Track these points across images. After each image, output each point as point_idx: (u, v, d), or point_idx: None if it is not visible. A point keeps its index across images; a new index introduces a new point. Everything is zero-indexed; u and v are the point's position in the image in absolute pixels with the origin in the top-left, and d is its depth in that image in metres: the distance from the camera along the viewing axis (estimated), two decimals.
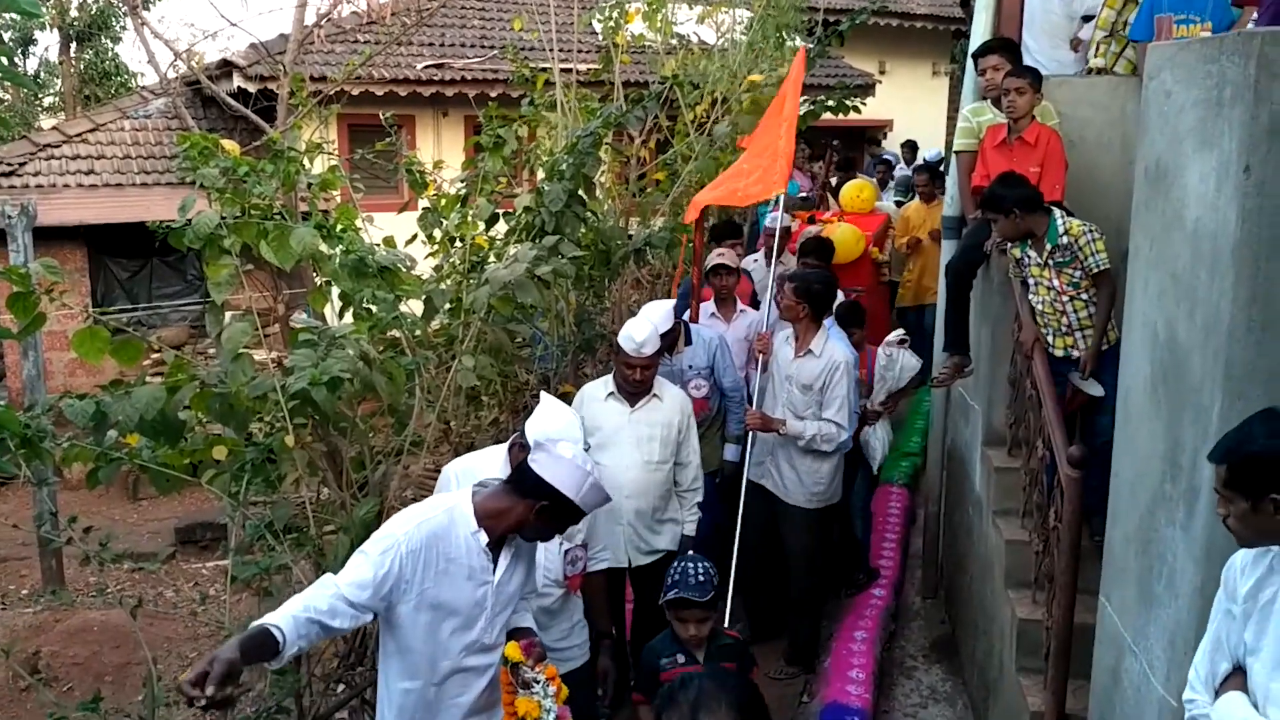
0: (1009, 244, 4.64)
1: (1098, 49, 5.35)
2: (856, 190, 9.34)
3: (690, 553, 3.57)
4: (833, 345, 4.97)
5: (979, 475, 5.19)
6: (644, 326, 4.29)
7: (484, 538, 2.85)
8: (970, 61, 5.52)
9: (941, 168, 10.42)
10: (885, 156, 13.49)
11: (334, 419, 3.71)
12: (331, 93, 8.89)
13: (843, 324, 5.48)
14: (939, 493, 6.28)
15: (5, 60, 2.41)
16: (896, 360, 5.49)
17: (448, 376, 4.16)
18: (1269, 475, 2.16)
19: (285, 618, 2.58)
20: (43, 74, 22.96)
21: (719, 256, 5.75)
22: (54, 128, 13.00)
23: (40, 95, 22.95)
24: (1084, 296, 4.39)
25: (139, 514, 9.54)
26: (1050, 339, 4.46)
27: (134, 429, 3.27)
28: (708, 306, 5.85)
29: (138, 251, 11.47)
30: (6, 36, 20.34)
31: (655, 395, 4.45)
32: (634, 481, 4.39)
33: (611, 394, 4.47)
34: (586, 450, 4.34)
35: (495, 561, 2.92)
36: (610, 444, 4.38)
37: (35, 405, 3.28)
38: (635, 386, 4.39)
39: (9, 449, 2.99)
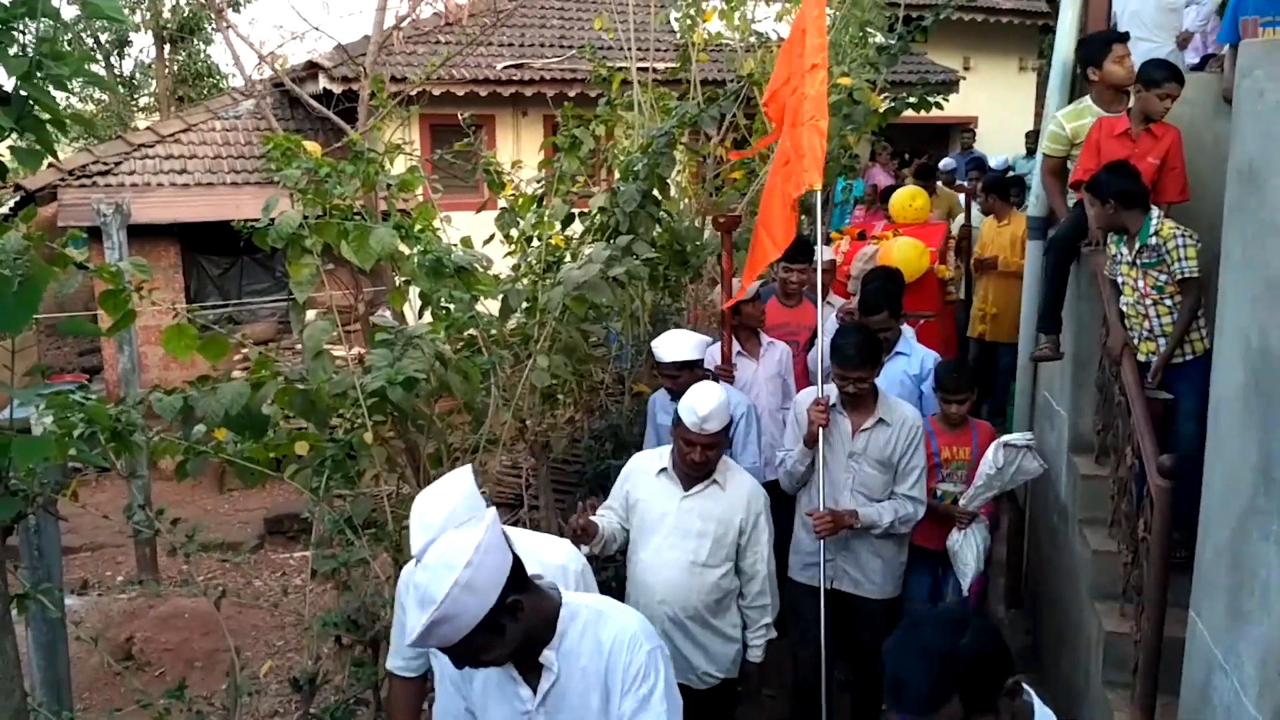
0: (1103, 237, 4.52)
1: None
2: (909, 198, 7.95)
3: None
4: (899, 404, 4.30)
5: (1065, 483, 5.06)
6: (710, 397, 3.55)
7: None
8: (1057, 60, 5.37)
9: (1008, 175, 9.72)
10: (977, 155, 11.95)
11: (411, 416, 3.76)
12: (412, 93, 9.04)
13: (944, 389, 4.61)
14: (1023, 499, 6.14)
15: (93, 67, 2.48)
16: (1015, 463, 4.43)
17: (523, 375, 4.18)
18: (992, 671, 1.95)
19: None
20: (138, 75, 23.79)
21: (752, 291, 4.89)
22: (148, 128, 13.44)
23: (136, 96, 23.75)
24: (1168, 302, 4.25)
25: (230, 504, 9.80)
26: (1135, 343, 4.33)
27: (220, 423, 3.35)
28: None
29: (229, 249, 11.81)
30: (104, 38, 21.10)
31: (716, 481, 3.70)
32: (668, 583, 3.65)
33: (664, 470, 3.74)
34: (625, 535, 3.76)
35: (533, 685, 2.35)
36: (651, 532, 3.63)
37: (126, 399, 3.38)
38: (693, 468, 3.65)
39: (99, 442, 3.08)
